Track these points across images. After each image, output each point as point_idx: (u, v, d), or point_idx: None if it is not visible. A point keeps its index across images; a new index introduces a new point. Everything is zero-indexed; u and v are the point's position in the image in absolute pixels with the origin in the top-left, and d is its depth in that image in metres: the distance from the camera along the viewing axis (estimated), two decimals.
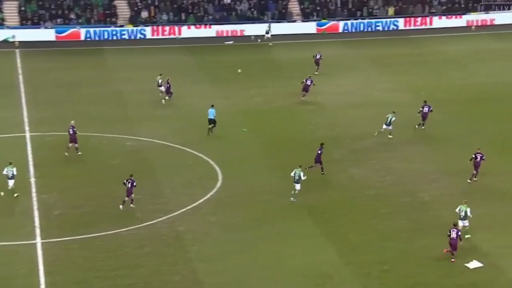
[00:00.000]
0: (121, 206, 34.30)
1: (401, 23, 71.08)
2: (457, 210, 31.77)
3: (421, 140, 42.54)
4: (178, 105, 49.56)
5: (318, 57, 56.57)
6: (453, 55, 61.48)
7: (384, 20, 71.37)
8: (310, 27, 70.87)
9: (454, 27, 70.60)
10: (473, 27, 70.30)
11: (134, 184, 34.28)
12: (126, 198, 34.39)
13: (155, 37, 68.06)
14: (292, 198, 35.21)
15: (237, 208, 34.90)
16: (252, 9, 72.10)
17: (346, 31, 70.61)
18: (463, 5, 72.88)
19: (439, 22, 70.99)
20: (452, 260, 29.61)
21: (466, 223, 31.47)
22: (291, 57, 61.95)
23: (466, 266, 29.23)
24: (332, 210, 34.62)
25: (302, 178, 35.10)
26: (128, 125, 45.40)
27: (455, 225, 30.44)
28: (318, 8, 72.78)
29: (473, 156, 37.21)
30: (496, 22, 71.02)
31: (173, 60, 60.41)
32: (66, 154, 40.55)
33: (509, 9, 72.32)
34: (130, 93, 51.85)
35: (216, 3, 72.37)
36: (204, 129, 43.71)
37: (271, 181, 37.70)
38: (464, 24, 70.71)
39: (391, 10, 72.82)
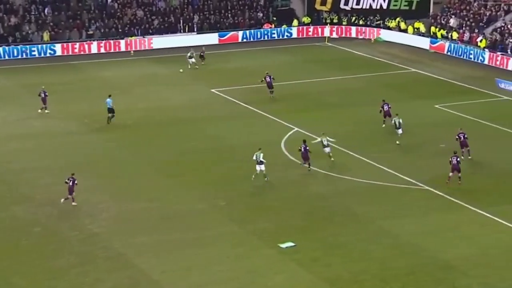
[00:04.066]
0: (62, 200, 35.74)
1: (58, 48, 69.07)
2: (324, 144, 39.91)
3: (89, 168, 41.03)
4: None
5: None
6: (116, 81, 61.16)
7: (40, 45, 68.74)
8: None
9: (113, 52, 70.50)
10: (132, 52, 70.87)
11: (76, 182, 35.47)
12: (69, 196, 35.46)
13: None
14: (253, 177, 38.13)
15: None
16: None
17: None
18: (120, 30, 73.17)
19: (97, 47, 70.39)
20: (459, 182, 36.96)
21: (328, 149, 40.03)
22: None
23: None
24: None
25: (263, 160, 37.94)
26: None
27: (455, 153, 37.29)
28: None
29: (457, 136, 40.22)
30: (154, 47, 72.43)
31: None
32: None
33: (167, 33, 74.31)
34: None
35: None
36: None
37: None
38: (124, 49, 71.01)
39: (46, 36, 70.32)
